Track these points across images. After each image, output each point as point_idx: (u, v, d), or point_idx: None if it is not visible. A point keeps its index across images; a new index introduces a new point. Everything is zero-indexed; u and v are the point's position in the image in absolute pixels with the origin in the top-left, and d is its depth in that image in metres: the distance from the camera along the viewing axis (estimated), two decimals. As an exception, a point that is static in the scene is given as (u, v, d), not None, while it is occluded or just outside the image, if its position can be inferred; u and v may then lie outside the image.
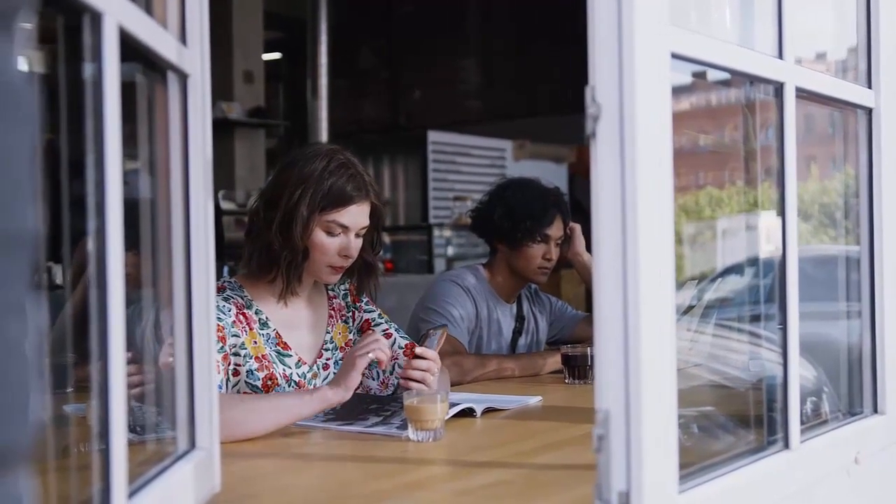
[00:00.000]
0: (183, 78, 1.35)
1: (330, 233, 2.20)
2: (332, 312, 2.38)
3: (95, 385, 1.02)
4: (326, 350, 2.34)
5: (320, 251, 2.20)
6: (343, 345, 2.37)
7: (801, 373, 1.57)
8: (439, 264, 7.30)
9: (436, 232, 7.45)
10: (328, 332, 2.35)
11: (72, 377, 1.49)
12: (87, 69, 1.02)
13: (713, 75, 1.57)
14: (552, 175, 6.20)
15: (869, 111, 1.82)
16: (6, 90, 0.53)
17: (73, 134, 1.05)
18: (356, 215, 2.22)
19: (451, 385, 2.63)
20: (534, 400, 2.35)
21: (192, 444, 1.37)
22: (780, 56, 1.52)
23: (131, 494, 1.09)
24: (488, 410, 2.18)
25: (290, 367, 2.23)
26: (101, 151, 1.01)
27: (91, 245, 1.02)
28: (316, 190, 2.16)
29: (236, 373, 2.14)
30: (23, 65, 0.56)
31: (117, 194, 1.02)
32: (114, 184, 1.02)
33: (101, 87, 1.01)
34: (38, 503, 0.58)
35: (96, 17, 1.00)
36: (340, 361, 2.31)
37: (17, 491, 0.53)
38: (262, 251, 2.20)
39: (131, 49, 1.11)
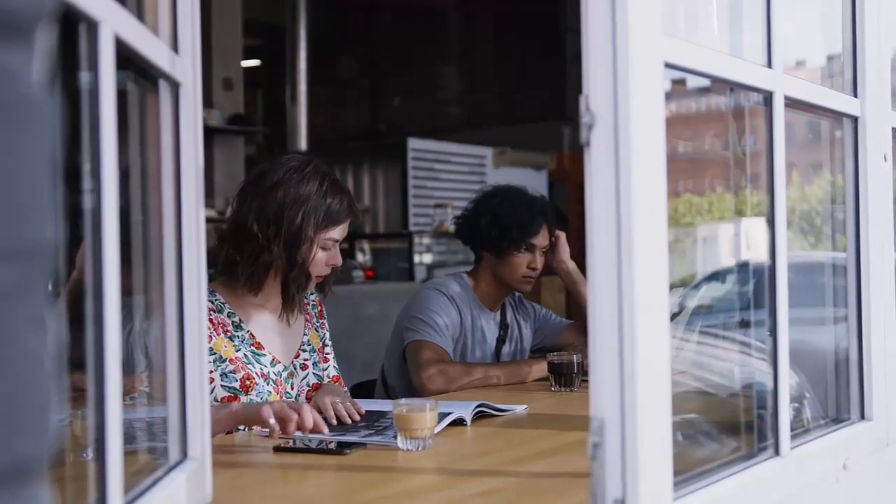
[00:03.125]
0: (175, 86, 1.34)
1: (324, 248, 2.30)
2: (308, 317, 2.47)
3: (91, 395, 1.02)
4: (304, 351, 2.42)
5: (315, 266, 2.30)
6: (317, 348, 2.46)
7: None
8: (420, 272, 7.29)
9: (416, 239, 7.43)
10: (305, 335, 2.43)
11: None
12: (83, 77, 1.01)
13: (692, 82, 1.58)
14: (532, 182, 6.20)
15: (855, 119, 1.83)
16: (28, 103, 0.53)
17: (66, 141, 1.04)
18: (345, 229, 2.35)
19: (438, 394, 2.63)
20: (520, 408, 2.35)
21: (184, 455, 1.36)
22: (769, 65, 1.53)
23: (126, 506, 1.08)
24: (479, 415, 2.19)
25: (265, 366, 2.28)
26: (98, 160, 1.00)
27: (87, 254, 1.01)
28: (318, 212, 2.26)
29: (209, 381, 2.16)
30: (42, 77, 0.55)
31: (113, 203, 1.02)
32: (110, 192, 1.01)
33: (97, 95, 1.00)
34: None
35: (92, 26, 0.99)
36: (317, 364, 2.43)
37: (40, 503, 0.53)
38: (263, 269, 2.26)
39: (123, 57, 1.11)
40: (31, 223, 0.53)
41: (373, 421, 2.13)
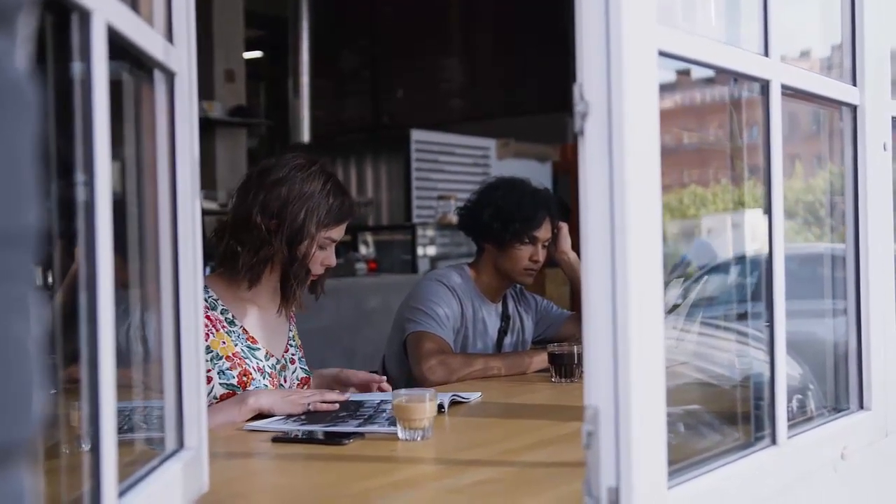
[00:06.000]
0: (170, 76, 1.34)
1: (321, 247, 2.33)
2: (291, 315, 2.51)
3: (85, 386, 1.02)
4: (291, 346, 2.46)
5: (312, 263, 2.33)
6: (299, 345, 2.51)
7: (786, 370, 1.57)
8: (423, 264, 7.29)
9: (419, 231, 7.43)
10: (291, 331, 2.48)
11: (58, 378, 1.48)
12: (75, 67, 1.01)
13: (697, 73, 1.58)
14: (536, 174, 6.21)
15: (854, 108, 1.83)
16: (10, 88, 0.53)
17: (59, 133, 1.04)
18: (343, 230, 2.38)
19: (438, 384, 2.64)
20: (474, 396, 2.38)
21: (181, 444, 1.37)
22: (766, 54, 1.53)
23: (121, 494, 1.08)
24: (455, 403, 2.24)
25: (261, 360, 2.32)
26: (90, 151, 1.00)
27: (80, 246, 1.01)
28: (320, 210, 2.29)
29: (208, 380, 2.18)
30: (24, 63, 0.55)
31: (106, 194, 1.02)
32: (103, 184, 1.01)
33: (89, 86, 1.00)
34: (37, 499, 0.58)
35: (85, 15, 0.99)
36: (302, 359, 2.48)
37: (21, 487, 0.53)
38: (263, 262, 2.29)
39: (118, 47, 1.11)
40: (14, 209, 0.53)
41: (354, 411, 2.14)
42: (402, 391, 1.96)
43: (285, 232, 2.26)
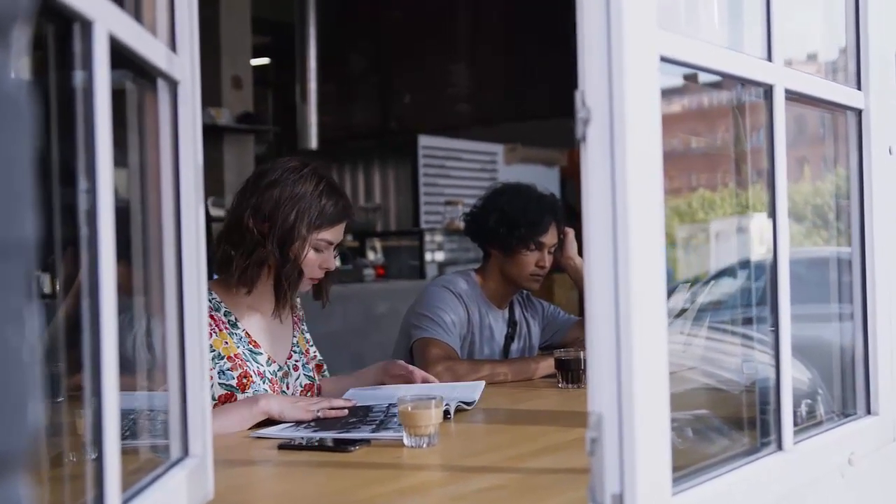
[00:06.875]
0: (173, 85, 1.35)
1: (317, 249, 2.32)
2: (296, 320, 2.51)
3: (88, 394, 1.02)
4: (295, 352, 2.46)
5: (307, 266, 2.32)
6: (304, 351, 2.50)
7: (795, 375, 1.57)
8: (431, 269, 7.29)
9: (427, 237, 7.43)
10: (294, 337, 2.47)
11: (63, 386, 1.48)
12: (77, 76, 1.02)
13: (704, 77, 1.57)
14: (544, 179, 6.20)
15: (859, 112, 1.82)
16: (5, 100, 0.53)
17: (62, 141, 1.04)
18: (341, 232, 2.37)
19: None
20: (479, 388, 2.40)
21: (186, 452, 1.37)
22: (770, 58, 1.52)
23: (125, 502, 1.08)
24: (460, 410, 2.23)
25: (262, 365, 2.32)
26: (93, 159, 1.01)
27: (83, 254, 1.01)
28: (312, 211, 2.28)
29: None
30: (20, 73, 0.56)
31: (109, 203, 1.02)
32: (105, 192, 1.01)
33: (91, 95, 1.01)
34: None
35: (87, 25, 1.00)
36: (306, 365, 2.47)
37: (17, 496, 0.53)
38: (257, 265, 2.29)
39: (121, 56, 1.11)
40: (9, 220, 0.53)
41: (363, 416, 2.13)
42: (408, 397, 1.96)
43: (277, 234, 2.26)
